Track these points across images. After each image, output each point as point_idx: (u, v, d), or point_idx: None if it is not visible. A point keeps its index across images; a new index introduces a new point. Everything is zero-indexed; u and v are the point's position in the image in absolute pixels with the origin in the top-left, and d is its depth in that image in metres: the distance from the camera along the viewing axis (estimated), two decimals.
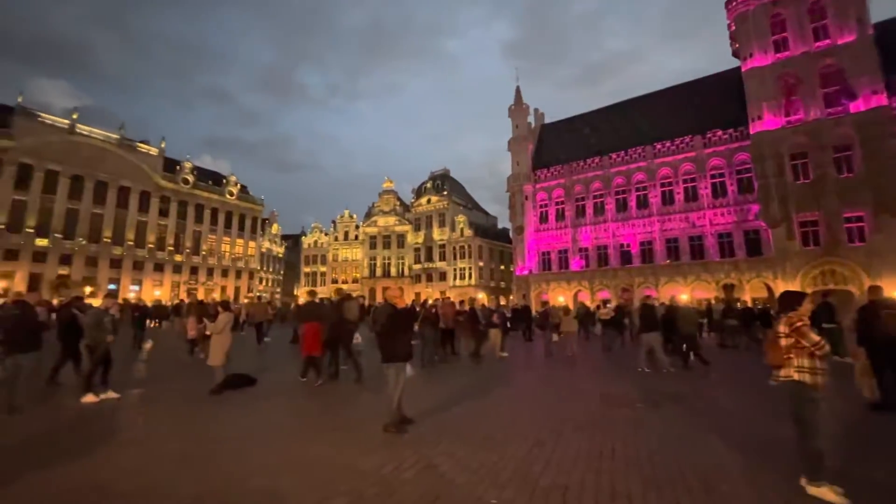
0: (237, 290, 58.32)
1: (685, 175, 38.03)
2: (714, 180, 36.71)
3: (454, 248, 58.19)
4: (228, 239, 59.79)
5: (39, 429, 5.58)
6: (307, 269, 69.92)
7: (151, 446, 4.95)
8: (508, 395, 8.10)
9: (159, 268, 51.20)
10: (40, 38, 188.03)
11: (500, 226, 70.22)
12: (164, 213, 52.19)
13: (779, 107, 31.84)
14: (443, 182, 63.98)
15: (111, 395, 7.22)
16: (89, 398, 6.93)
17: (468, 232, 57.65)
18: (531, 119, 50.59)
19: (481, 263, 57.77)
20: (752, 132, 33.02)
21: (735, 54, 37.35)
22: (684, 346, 11.13)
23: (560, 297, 40.39)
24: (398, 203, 65.73)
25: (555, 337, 14.41)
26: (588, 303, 35.05)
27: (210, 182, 58.72)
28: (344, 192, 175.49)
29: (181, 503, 3.51)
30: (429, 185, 64.27)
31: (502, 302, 48.64)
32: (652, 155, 39.46)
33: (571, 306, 27.06)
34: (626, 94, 59.64)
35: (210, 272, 56.41)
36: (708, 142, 36.95)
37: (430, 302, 14.32)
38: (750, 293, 32.72)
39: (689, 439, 5.17)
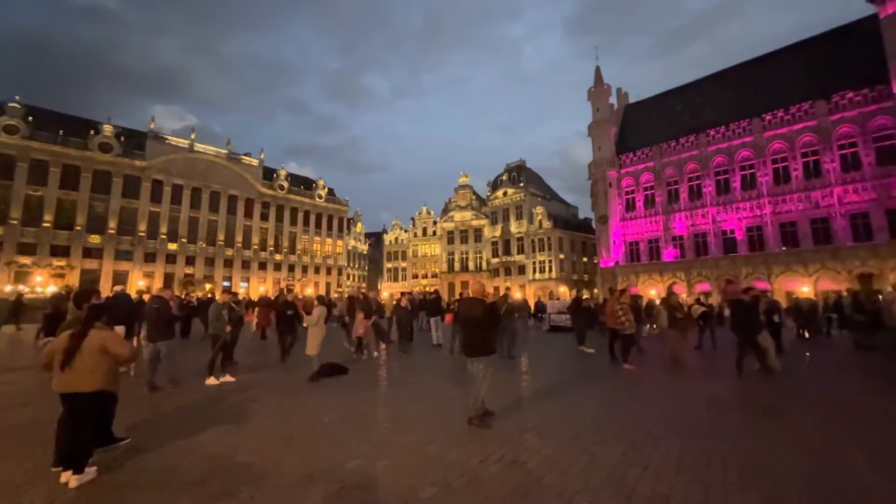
0: (328, 285, 63.16)
1: (804, 148, 32.93)
2: (843, 151, 31.28)
3: (533, 241, 56.83)
4: (319, 238, 64.96)
5: (173, 405, 6.50)
6: (389, 265, 73.24)
7: (262, 426, 5.51)
8: (596, 392, 7.68)
9: (263, 266, 57.31)
10: (153, 71, 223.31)
11: (581, 216, 67.13)
12: (264, 217, 58.30)
13: None
14: (519, 174, 62.64)
15: (228, 378, 8.20)
16: (211, 381, 7.93)
17: (547, 224, 55.89)
18: (613, 100, 47.38)
19: (562, 256, 55.67)
20: (895, 91, 27.45)
21: None
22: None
23: (652, 290, 37.42)
24: (474, 197, 65.90)
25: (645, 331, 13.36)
26: (685, 296, 31.95)
27: (301, 187, 64.31)
28: (421, 189, 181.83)
29: (291, 478, 3.85)
30: (504, 177, 63.41)
31: (585, 295, 46.34)
32: (760, 128, 34.73)
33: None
34: (714, 61, 52.81)
35: (305, 269, 61.89)
36: (834, 107, 31.51)
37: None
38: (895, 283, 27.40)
39: (819, 452, 4.44)
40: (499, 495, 3.51)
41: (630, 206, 42.80)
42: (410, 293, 18.58)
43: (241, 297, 17.93)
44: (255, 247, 56.63)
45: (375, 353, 11.43)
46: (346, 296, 15.47)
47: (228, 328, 8.37)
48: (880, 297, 17.12)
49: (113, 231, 45.26)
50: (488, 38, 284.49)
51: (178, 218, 50.15)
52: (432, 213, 70.65)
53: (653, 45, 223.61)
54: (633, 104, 49.62)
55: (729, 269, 34.97)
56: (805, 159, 32.88)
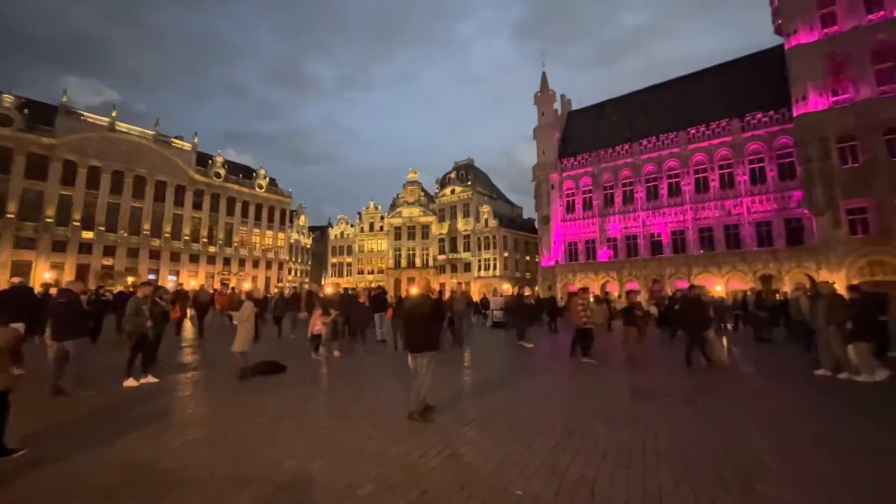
0: (268, 280, 60.14)
1: (721, 161, 36.34)
2: (753, 166, 34.91)
3: (479, 239, 57.89)
4: (259, 231, 61.57)
5: (84, 411, 5.89)
6: (334, 260, 71.28)
7: (188, 429, 5.15)
8: (534, 386, 8.01)
9: (195, 259, 53.28)
10: (65, 38, 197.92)
11: (525, 216, 69.38)
12: (198, 206, 54.16)
13: (825, 87, 29.80)
14: (467, 172, 63.48)
15: (150, 379, 7.56)
16: (130, 382, 7.27)
17: (493, 222, 57.18)
18: (558, 106, 49.33)
19: (506, 254, 57.26)
20: (795, 114, 31.08)
21: (778, 31, 35.12)
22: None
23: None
24: (422, 194, 65.82)
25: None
26: (616, 293, 34.18)
27: (240, 175, 60.50)
28: (368, 183, 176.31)
29: (219, 483, 3.64)
30: (453, 175, 63.94)
31: (526, 293, 47.99)
32: (685, 140, 37.84)
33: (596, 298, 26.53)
34: (647, 75, 57.66)
35: (242, 263, 58.35)
36: (746, 125, 35.10)
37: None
38: (790, 284, 31.16)
39: (726, 436, 4.97)
40: (437, 488, 3.56)
41: (570, 208, 44.93)
42: (354, 288, 18.27)
43: (170, 291, 16.55)
44: (187, 237, 52.48)
45: (314, 355, 11.01)
46: (307, 290, 14.82)
47: (149, 324, 7.72)
48: (777, 295, 19.41)
49: (12, 216, 39.81)
50: (439, 34, 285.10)
51: (94, 203, 45.14)
52: (380, 208, 69.66)
53: (593, 54, 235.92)
54: (576, 111, 51.99)
55: (656, 270, 37.92)
56: (721, 171, 36.34)
